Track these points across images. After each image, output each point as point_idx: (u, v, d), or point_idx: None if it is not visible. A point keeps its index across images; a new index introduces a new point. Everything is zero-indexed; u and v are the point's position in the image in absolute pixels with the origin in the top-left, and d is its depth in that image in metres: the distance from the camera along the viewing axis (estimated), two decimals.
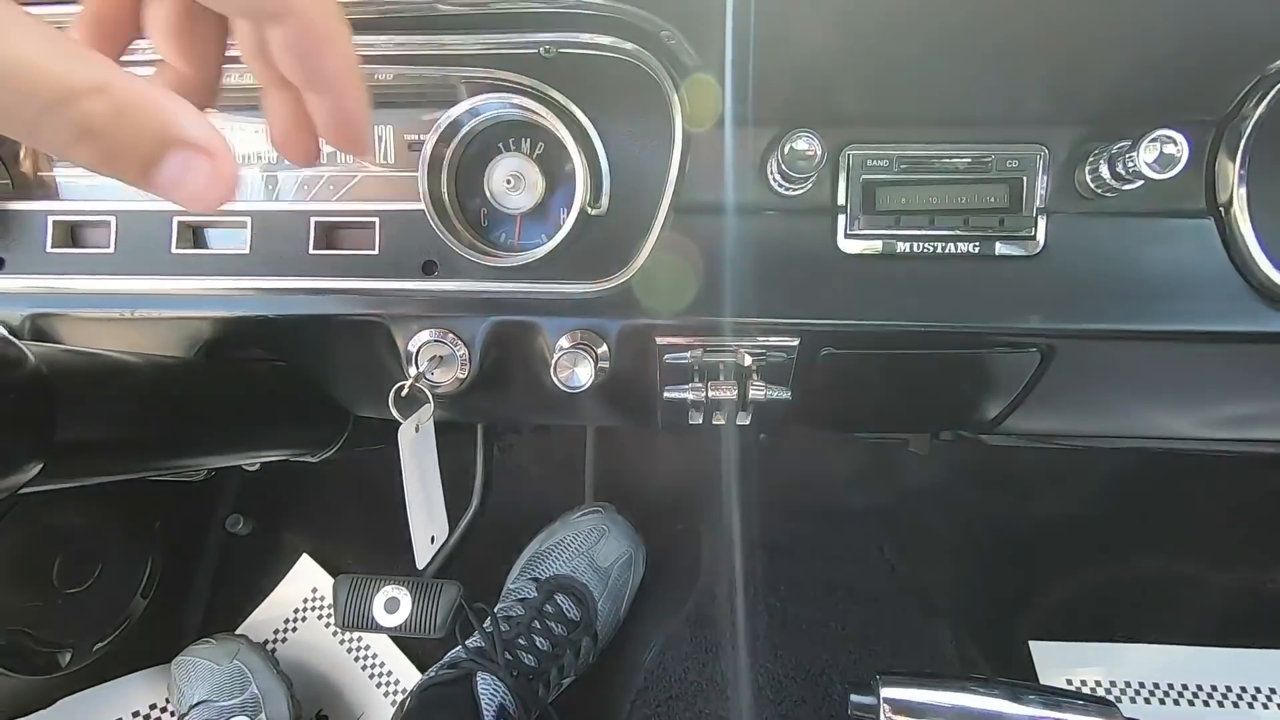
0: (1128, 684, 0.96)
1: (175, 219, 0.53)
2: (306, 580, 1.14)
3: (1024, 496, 1.05)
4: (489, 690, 0.80)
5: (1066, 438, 0.78)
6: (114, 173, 0.23)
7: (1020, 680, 0.41)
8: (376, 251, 0.52)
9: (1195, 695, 0.95)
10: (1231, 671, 0.96)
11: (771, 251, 0.50)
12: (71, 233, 0.55)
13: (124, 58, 0.31)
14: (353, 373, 0.61)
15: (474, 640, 0.86)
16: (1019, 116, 0.48)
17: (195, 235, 0.54)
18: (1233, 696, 0.95)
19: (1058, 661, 0.96)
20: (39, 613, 0.81)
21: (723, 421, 0.58)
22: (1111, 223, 0.48)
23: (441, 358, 0.52)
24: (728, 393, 0.52)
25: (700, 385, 0.53)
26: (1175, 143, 0.42)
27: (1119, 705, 0.93)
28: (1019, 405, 0.59)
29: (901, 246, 0.49)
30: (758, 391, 0.52)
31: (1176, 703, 0.95)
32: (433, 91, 0.51)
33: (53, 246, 0.54)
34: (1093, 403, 0.62)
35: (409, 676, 1.06)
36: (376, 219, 0.52)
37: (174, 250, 0.53)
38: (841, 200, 0.49)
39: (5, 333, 0.39)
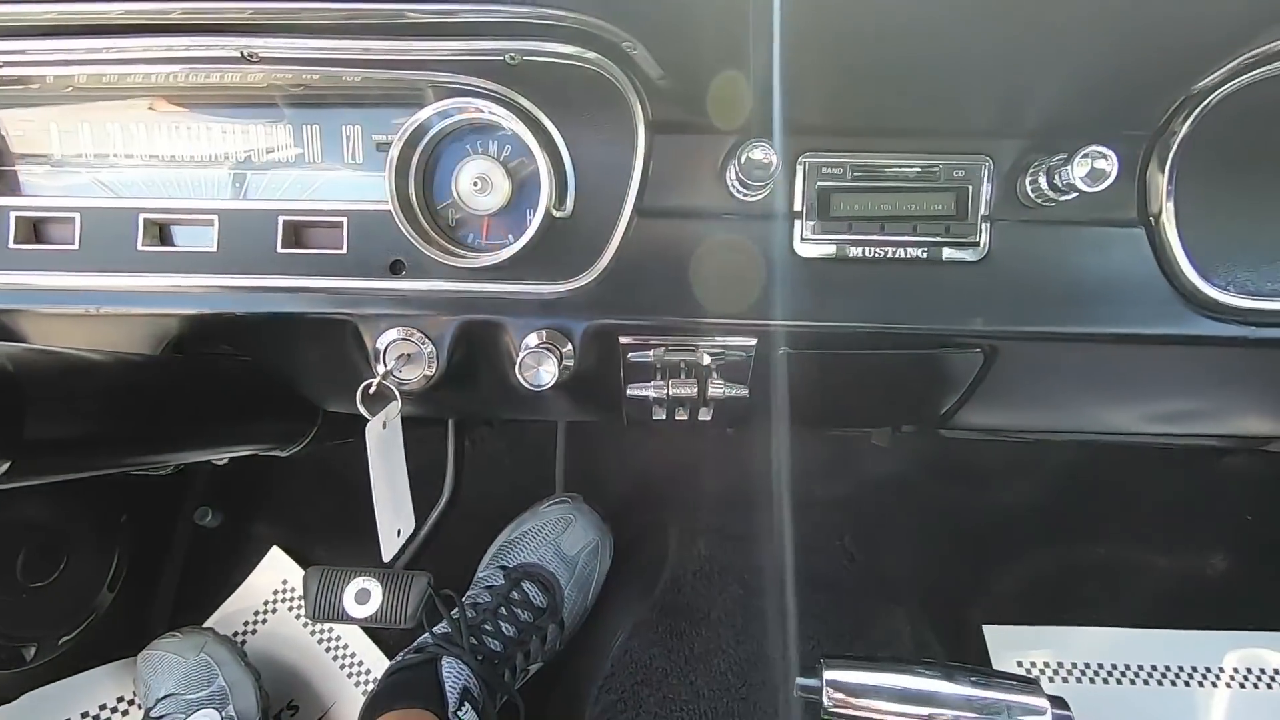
0: (1074, 665, 1.01)
1: (140, 216, 0.53)
2: (276, 572, 1.14)
3: (980, 487, 1.09)
4: (453, 674, 0.82)
5: (1016, 432, 0.82)
6: None
7: (967, 663, 0.44)
8: (344, 251, 0.53)
9: (1137, 674, 1.00)
10: (1171, 652, 1.01)
11: (730, 255, 0.51)
12: (34, 229, 0.55)
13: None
14: (321, 369, 0.62)
15: (441, 626, 0.87)
16: (966, 128, 0.50)
17: (162, 233, 0.55)
18: (1171, 675, 1.00)
19: (1009, 644, 1.00)
20: (3, 607, 0.80)
21: (685, 417, 0.60)
22: (1051, 230, 0.51)
23: (409, 355, 0.53)
24: (688, 390, 0.54)
25: (662, 383, 0.54)
26: (1106, 158, 0.44)
27: (1062, 683, 0.97)
28: (966, 402, 0.62)
29: (854, 251, 0.51)
30: (717, 389, 0.54)
31: (1119, 682, 1.00)
32: (400, 93, 0.52)
33: (15, 242, 0.54)
34: (1035, 399, 0.65)
35: (380, 666, 1.07)
36: (344, 219, 0.53)
37: (140, 248, 0.53)
38: (798, 206, 0.51)
39: None
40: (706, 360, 0.54)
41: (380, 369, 0.53)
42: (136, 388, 0.50)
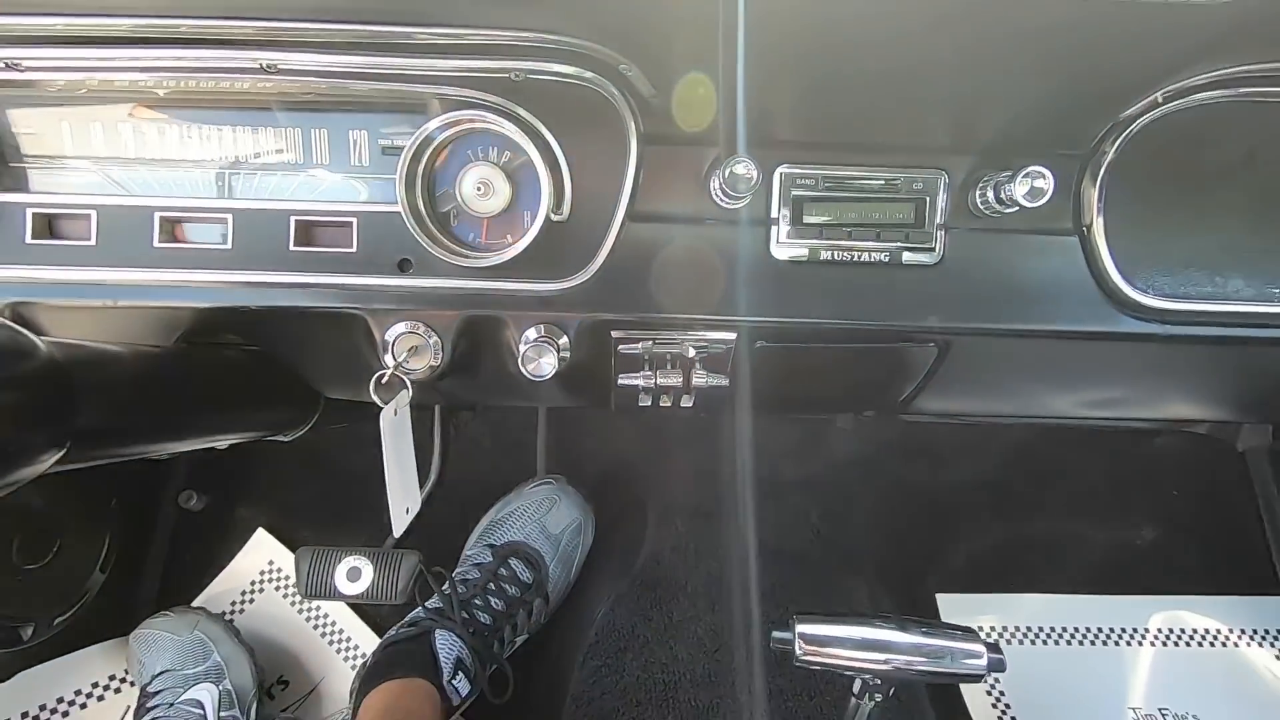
0: (1018, 628, 1.09)
1: (156, 214, 0.56)
2: (263, 553, 1.17)
3: (936, 467, 1.17)
4: (446, 645, 0.86)
5: (967, 416, 0.89)
6: None
7: (918, 617, 0.50)
8: (354, 249, 0.56)
9: (1074, 636, 1.09)
10: (1104, 615, 1.10)
11: (713, 257, 0.57)
12: (50, 225, 0.57)
13: None
14: (328, 359, 0.66)
15: (433, 601, 0.92)
16: (924, 146, 0.56)
17: (175, 230, 0.57)
18: (1103, 636, 1.09)
19: (960, 611, 1.09)
20: (1, 589, 0.83)
21: (669, 404, 0.66)
22: (998, 238, 0.57)
23: (416, 347, 0.57)
24: (674, 380, 0.59)
25: (650, 373, 0.60)
26: (1044, 178, 0.50)
27: (1007, 644, 1.06)
28: (923, 389, 0.69)
29: (824, 254, 0.57)
30: (700, 379, 0.59)
31: (1058, 642, 1.09)
32: (406, 101, 0.55)
33: (32, 238, 0.56)
34: (984, 387, 0.72)
35: (369, 642, 1.11)
36: (354, 219, 0.56)
37: (156, 244, 0.56)
38: (774, 213, 0.56)
39: (12, 323, 0.42)
40: (691, 353, 0.59)
41: (390, 360, 0.57)
42: (162, 376, 0.53)
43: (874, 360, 0.64)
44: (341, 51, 0.50)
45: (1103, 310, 0.58)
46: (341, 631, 1.12)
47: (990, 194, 0.54)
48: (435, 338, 0.58)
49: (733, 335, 0.59)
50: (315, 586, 0.94)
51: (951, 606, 1.08)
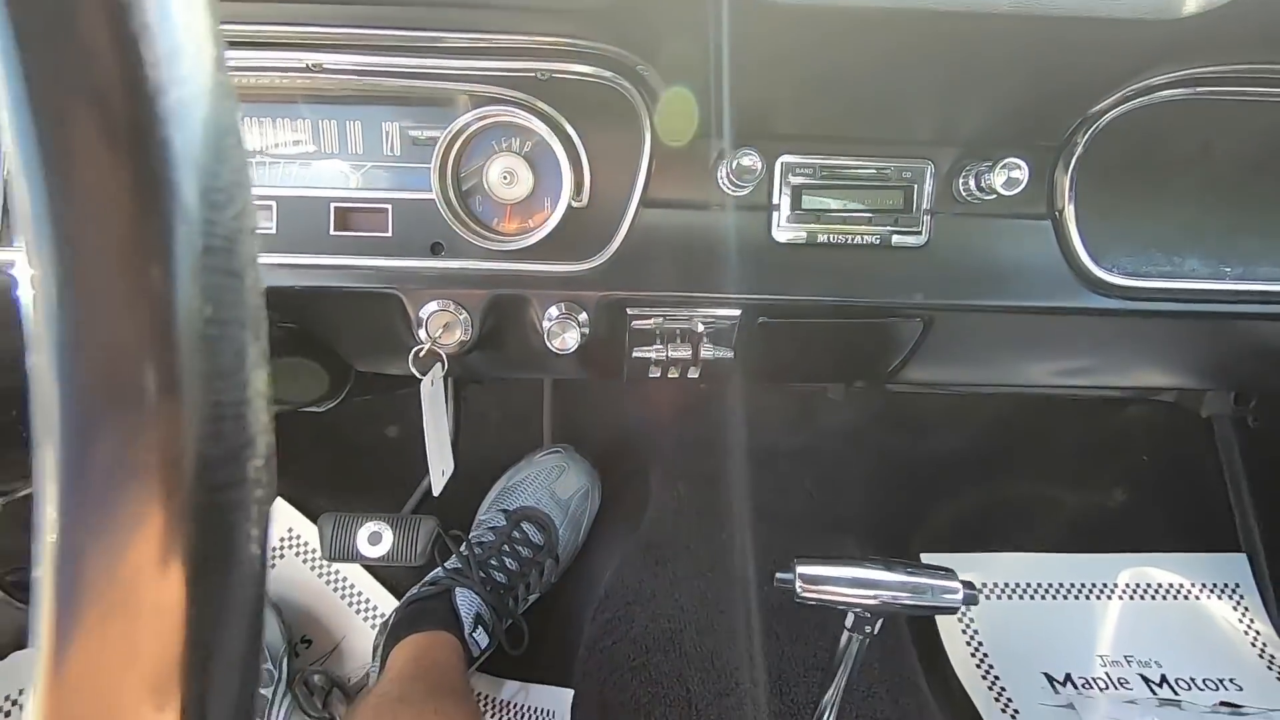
0: (996, 584, 1.17)
1: None
2: (282, 521, 1.22)
3: (921, 436, 1.24)
4: (466, 602, 0.93)
5: (950, 386, 0.95)
6: None
7: (903, 559, 0.57)
8: (390, 234, 0.61)
9: (1048, 591, 1.17)
10: (1076, 572, 1.18)
11: (719, 240, 0.62)
12: None
13: None
14: (362, 334, 0.71)
15: (451, 562, 0.98)
16: (912, 138, 0.61)
17: None
18: (1076, 591, 1.17)
19: None
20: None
21: (677, 375, 0.71)
22: (979, 222, 0.63)
23: (448, 324, 0.63)
24: (684, 353, 0.65)
25: (662, 347, 0.65)
26: (1020, 168, 0.56)
27: (985, 599, 1.14)
28: (909, 361, 0.75)
29: (821, 237, 0.62)
30: (708, 353, 0.65)
31: (1034, 598, 1.17)
32: (436, 95, 0.60)
33: None
34: (966, 359, 0.78)
35: (387, 604, 1.17)
36: (389, 206, 0.61)
37: None
38: (775, 200, 0.61)
39: None
40: (700, 328, 0.64)
41: (424, 335, 0.62)
42: None
43: (865, 334, 0.70)
44: (382, 54, 0.54)
45: (1072, 288, 0.64)
46: (360, 594, 1.19)
47: (972, 182, 0.59)
48: (465, 314, 0.63)
49: (737, 312, 0.64)
50: (338, 550, 1.00)
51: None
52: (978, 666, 1.06)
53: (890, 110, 0.59)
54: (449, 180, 0.59)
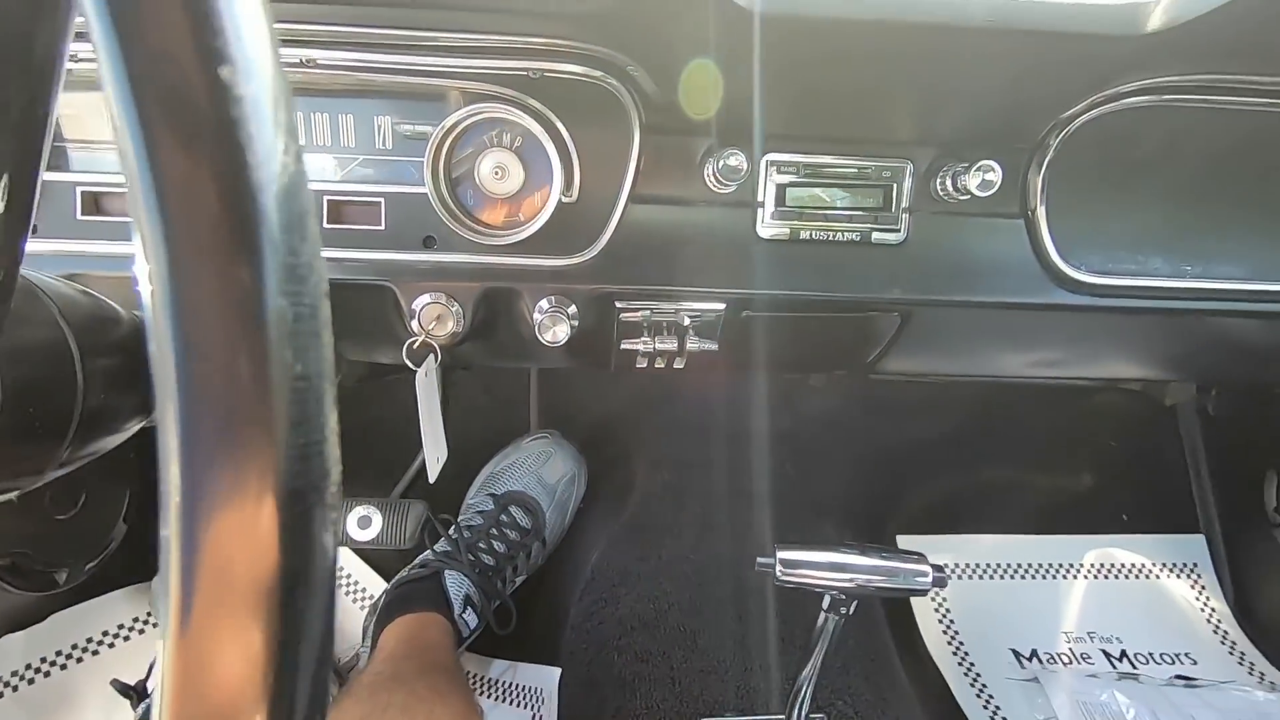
0: (969, 564, 1.22)
1: None
2: None
3: (898, 422, 1.27)
4: (455, 583, 0.95)
5: (927, 376, 0.98)
6: None
7: (877, 544, 0.60)
8: (382, 227, 0.62)
9: (1018, 571, 1.22)
10: (1045, 553, 1.23)
11: (706, 236, 0.64)
12: (96, 202, 0.62)
13: None
14: (355, 325, 0.72)
15: (440, 545, 1.00)
16: (892, 139, 0.63)
17: None
18: (1044, 571, 1.22)
19: (917, 550, 1.21)
20: (37, 536, 0.88)
21: (663, 366, 0.73)
22: (955, 221, 0.65)
23: (440, 316, 0.64)
24: (670, 345, 0.67)
25: (649, 339, 0.67)
26: (994, 171, 0.58)
27: (957, 579, 1.18)
28: (888, 353, 0.77)
29: (804, 234, 0.64)
30: (693, 344, 0.67)
31: (1005, 578, 1.21)
32: (429, 91, 0.61)
33: (82, 214, 0.61)
34: (941, 350, 0.81)
35: (376, 586, 1.19)
36: (381, 199, 0.62)
37: None
38: (760, 197, 0.63)
39: (94, 292, 0.47)
40: (686, 321, 0.66)
41: (416, 327, 0.64)
42: None
43: (845, 327, 0.72)
44: (376, 51, 0.55)
45: (1043, 284, 0.66)
46: (350, 576, 1.20)
47: (949, 183, 0.61)
48: (458, 307, 0.64)
49: (722, 305, 0.66)
50: None
51: (910, 546, 1.20)
52: (949, 643, 1.11)
53: (872, 112, 0.61)
54: (441, 175, 0.60)
